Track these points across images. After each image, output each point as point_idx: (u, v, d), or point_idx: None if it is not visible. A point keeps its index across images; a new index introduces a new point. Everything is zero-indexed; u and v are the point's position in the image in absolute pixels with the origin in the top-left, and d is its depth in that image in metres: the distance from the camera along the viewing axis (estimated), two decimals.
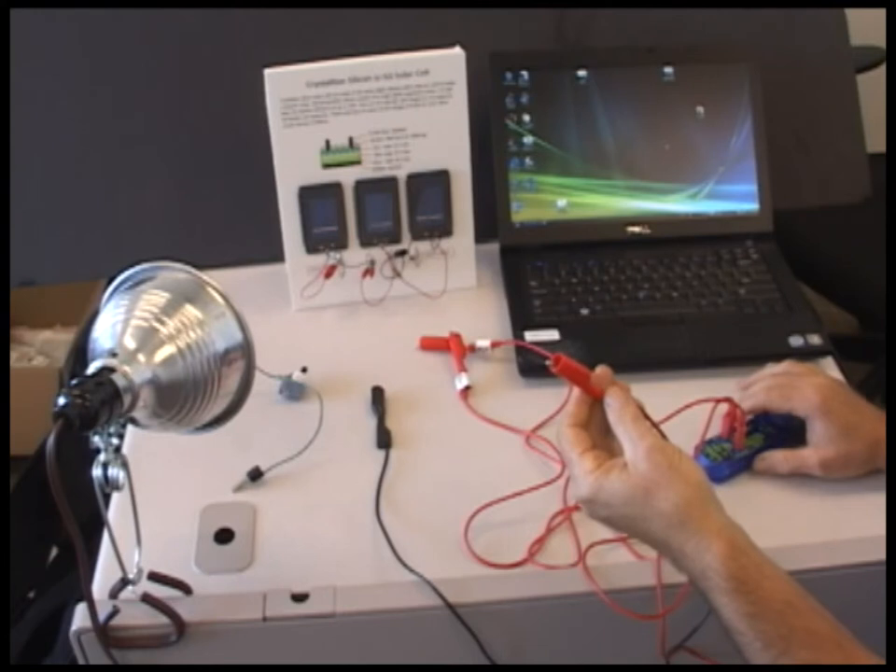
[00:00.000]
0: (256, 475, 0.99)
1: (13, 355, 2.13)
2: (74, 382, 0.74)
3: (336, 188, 1.17)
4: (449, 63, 1.14)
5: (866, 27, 1.47)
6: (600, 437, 0.81)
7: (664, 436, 0.79)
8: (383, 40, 1.15)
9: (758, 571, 0.74)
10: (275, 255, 1.21)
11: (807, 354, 1.13)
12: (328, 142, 1.16)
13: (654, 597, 0.86)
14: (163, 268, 0.85)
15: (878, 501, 0.93)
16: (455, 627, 0.85)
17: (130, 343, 0.78)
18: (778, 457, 0.98)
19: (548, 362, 0.81)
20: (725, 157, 1.27)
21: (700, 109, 1.27)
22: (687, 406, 0.94)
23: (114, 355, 0.77)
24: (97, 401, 0.72)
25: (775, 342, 1.14)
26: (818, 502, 0.97)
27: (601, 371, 0.82)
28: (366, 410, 1.08)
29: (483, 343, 1.14)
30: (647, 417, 0.80)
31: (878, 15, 1.33)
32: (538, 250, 1.26)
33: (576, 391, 0.82)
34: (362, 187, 1.18)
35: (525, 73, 1.25)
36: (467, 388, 1.09)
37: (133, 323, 0.79)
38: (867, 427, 0.96)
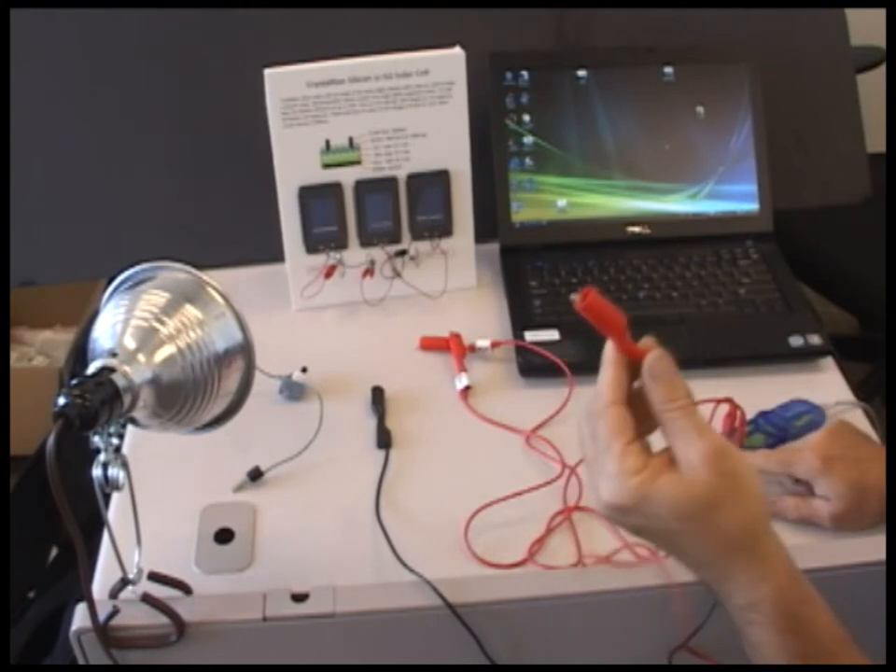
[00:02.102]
0: (256, 475, 0.99)
1: (13, 355, 2.13)
2: (74, 382, 0.74)
3: (336, 188, 1.17)
4: (449, 63, 1.14)
5: (866, 27, 1.47)
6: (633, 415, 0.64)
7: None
8: (383, 40, 1.15)
9: (811, 607, 0.63)
10: (275, 255, 1.21)
11: (807, 354, 1.13)
12: (328, 142, 1.16)
13: (654, 597, 0.86)
14: (163, 268, 0.85)
15: None
16: (455, 627, 0.85)
17: (130, 343, 0.78)
18: (789, 504, 0.92)
19: (573, 296, 0.64)
20: (725, 157, 1.27)
21: (700, 109, 1.27)
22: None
23: (114, 355, 0.77)
24: (97, 401, 0.72)
25: (775, 342, 1.14)
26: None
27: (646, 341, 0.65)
28: (366, 410, 1.08)
29: (483, 343, 1.14)
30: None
31: (878, 15, 1.33)
32: (538, 250, 1.26)
33: (611, 350, 0.65)
34: (362, 187, 1.18)
35: (525, 73, 1.25)
36: (467, 388, 1.09)
37: (133, 323, 0.79)
38: (875, 475, 0.86)
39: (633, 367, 0.64)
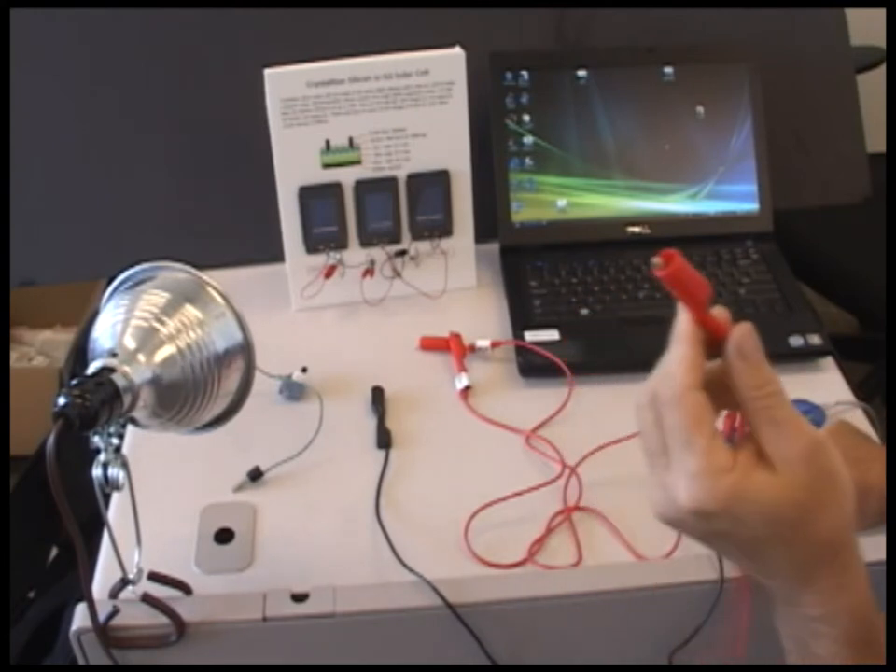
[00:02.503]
0: (256, 475, 0.99)
1: (13, 355, 2.13)
2: (74, 382, 0.74)
3: (336, 188, 1.17)
4: (449, 63, 1.14)
5: (866, 27, 1.47)
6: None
7: None
8: (383, 40, 1.15)
9: (880, 619, 0.57)
10: (275, 255, 1.21)
11: (807, 354, 1.13)
12: (328, 142, 1.15)
13: (655, 597, 0.86)
14: (163, 268, 0.85)
15: None
16: (455, 627, 0.85)
17: (130, 343, 0.78)
18: None
19: (656, 260, 0.54)
20: (725, 157, 1.27)
21: (700, 109, 1.27)
22: None
23: (114, 355, 0.77)
24: (97, 401, 0.72)
25: (775, 342, 1.14)
26: None
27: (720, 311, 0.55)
28: (366, 410, 1.08)
29: (483, 343, 1.14)
30: None
31: (878, 15, 1.33)
32: (538, 250, 1.26)
33: (685, 322, 0.56)
34: (362, 187, 1.18)
35: (524, 73, 1.25)
36: (467, 388, 1.09)
37: (133, 323, 0.79)
38: (875, 475, 0.80)
39: (705, 345, 0.55)
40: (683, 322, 0.56)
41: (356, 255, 1.21)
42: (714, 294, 1.22)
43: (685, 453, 0.52)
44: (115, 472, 0.77)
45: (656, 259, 0.53)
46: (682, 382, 0.53)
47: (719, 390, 0.54)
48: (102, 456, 0.77)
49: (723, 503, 0.52)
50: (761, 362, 0.54)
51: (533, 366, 1.11)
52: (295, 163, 1.15)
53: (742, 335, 0.54)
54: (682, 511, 0.53)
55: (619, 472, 0.98)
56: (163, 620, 0.83)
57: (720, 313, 0.56)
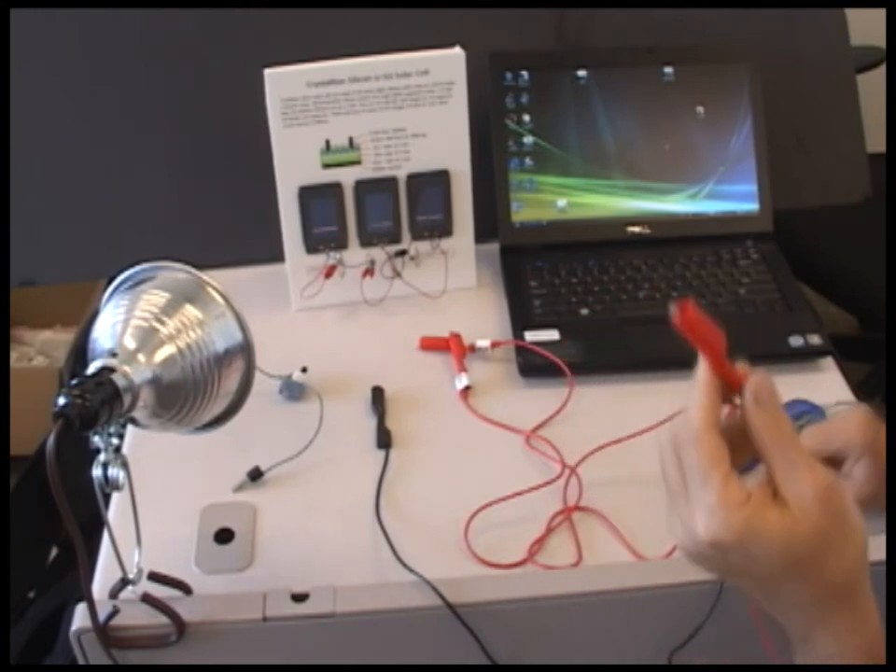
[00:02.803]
0: (256, 475, 0.99)
1: (13, 355, 2.13)
2: (74, 382, 0.74)
3: (336, 188, 1.17)
4: (449, 63, 1.14)
5: (866, 27, 1.47)
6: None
7: None
8: (383, 40, 1.15)
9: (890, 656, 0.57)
10: (275, 255, 1.21)
11: (807, 354, 1.13)
12: (328, 142, 1.15)
13: (655, 597, 0.86)
14: (163, 268, 0.85)
15: None
16: (455, 627, 0.85)
17: (130, 343, 0.78)
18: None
19: (672, 310, 0.56)
20: (725, 157, 1.27)
21: (700, 109, 1.27)
22: None
23: (114, 355, 0.77)
24: (97, 401, 0.72)
25: (775, 342, 1.14)
26: None
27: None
28: (366, 410, 1.08)
29: (483, 343, 1.14)
30: None
31: (878, 15, 1.33)
32: (538, 250, 1.26)
33: (704, 371, 0.58)
34: (362, 187, 1.18)
35: (525, 73, 1.25)
36: (467, 388, 1.09)
37: (133, 323, 0.79)
38: None
39: (724, 391, 0.59)
40: (702, 370, 0.58)
41: (356, 255, 1.21)
42: (714, 295, 1.22)
43: (702, 489, 0.56)
44: (115, 472, 0.77)
45: (673, 309, 0.56)
46: (699, 425, 0.57)
47: (739, 436, 0.57)
48: (102, 456, 0.77)
49: (737, 536, 0.54)
50: (776, 408, 0.57)
51: (533, 366, 1.11)
52: (295, 163, 1.15)
53: (758, 383, 0.57)
54: (701, 543, 0.56)
55: (619, 472, 0.99)
56: (163, 620, 0.83)
57: (741, 365, 0.58)
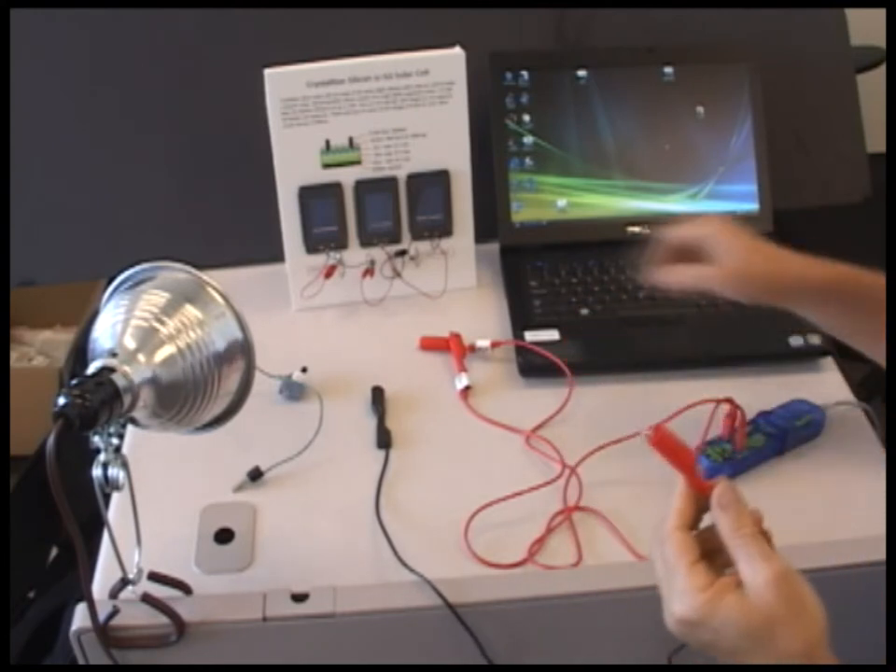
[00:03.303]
0: (256, 475, 0.99)
1: (13, 355, 2.13)
2: (74, 382, 0.74)
3: (336, 188, 1.17)
4: (449, 63, 1.14)
5: (866, 27, 1.47)
6: (702, 538, 0.70)
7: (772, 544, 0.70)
8: (383, 40, 1.15)
9: None
10: (275, 255, 1.21)
11: (807, 354, 1.13)
12: (328, 142, 1.16)
13: (655, 598, 0.86)
14: (163, 268, 0.85)
15: (878, 501, 0.93)
16: (455, 627, 0.85)
17: (130, 343, 0.78)
18: (679, 270, 0.95)
19: (646, 433, 0.70)
20: (725, 157, 1.27)
21: (700, 109, 1.27)
22: (688, 406, 0.94)
23: (114, 355, 0.77)
24: (97, 401, 0.72)
25: (775, 342, 1.14)
26: (818, 502, 0.97)
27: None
28: (366, 410, 1.08)
29: (483, 343, 1.14)
30: (756, 523, 0.69)
31: (878, 15, 1.33)
32: (538, 250, 1.26)
33: (681, 483, 0.71)
34: (362, 187, 1.18)
35: (525, 73, 1.25)
36: (467, 388, 1.09)
37: (133, 323, 0.79)
38: (771, 252, 0.95)
39: (703, 500, 0.70)
40: (680, 482, 0.70)
41: (356, 255, 1.21)
42: (714, 296, 1.22)
43: (674, 577, 0.67)
44: (115, 472, 0.77)
45: (647, 432, 0.69)
46: (671, 525, 0.69)
47: (714, 537, 0.69)
48: (102, 456, 0.77)
49: (701, 614, 0.65)
50: (737, 510, 0.68)
51: (533, 366, 1.11)
52: (295, 163, 1.16)
53: (721, 491, 0.69)
54: (675, 622, 0.67)
55: (619, 472, 0.99)
56: (163, 620, 0.83)
57: (714, 480, 0.70)
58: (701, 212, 1.27)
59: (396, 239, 1.21)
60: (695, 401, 0.97)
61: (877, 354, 0.96)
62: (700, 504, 0.70)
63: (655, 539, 0.70)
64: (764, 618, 0.64)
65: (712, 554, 0.69)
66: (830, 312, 0.95)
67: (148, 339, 0.79)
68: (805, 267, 0.94)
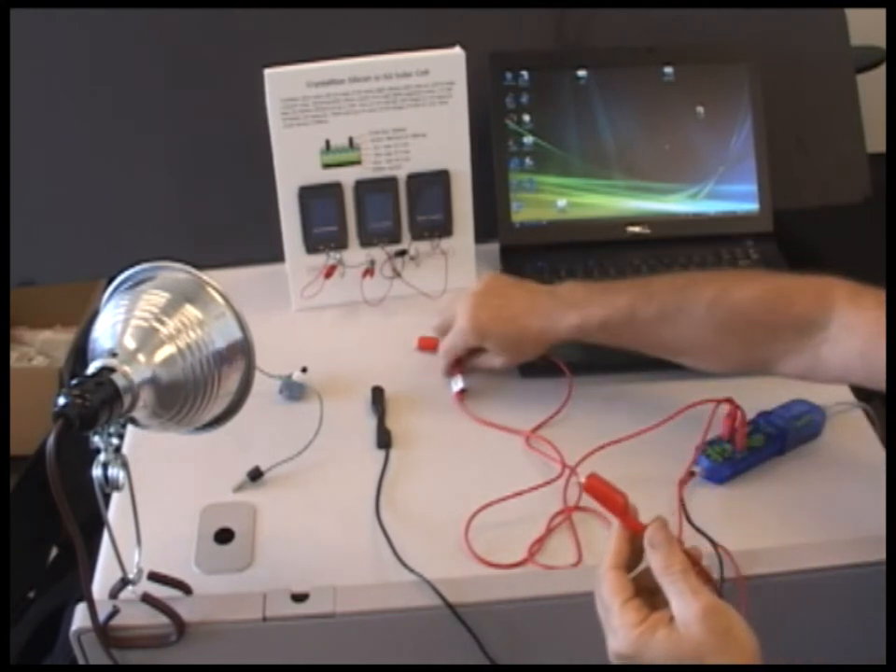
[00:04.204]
0: (256, 475, 0.99)
1: (13, 355, 2.13)
2: (74, 382, 0.74)
3: (336, 188, 1.17)
4: (449, 63, 1.14)
5: (866, 27, 1.47)
6: (640, 573, 0.75)
7: (716, 588, 0.74)
8: (383, 40, 1.15)
9: None
10: (275, 255, 1.21)
11: None
12: (328, 142, 1.16)
13: None
14: (163, 268, 0.85)
15: (878, 501, 0.93)
16: (455, 627, 0.85)
17: (130, 343, 0.78)
18: (478, 360, 1.08)
19: (581, 480, 0.76)
20: (725, 157, 1.27)
21: (700, 109, 1.27)
22: (688, 407, 0.94)
23: (114, 355, 0.77)
24: (97, 401, 0.72)
25: None
26: (818, 502, 0.97)
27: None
28: (366, 410, 1.08)
29: None
30: (692, 559, 0.73)
31: (878, 15, 1.33)
32: (538, 250, 1.26)
33: (616, 525, 0.75)
34: (362, 187, 1.18)
35: (525, 73, 1.25)
36: (462, 391, 1.09)
37: (133, 323, 0.79)
38: (519, 315, 1.02)
39: (640, 540, 0.74)
40: (616, 525, 0.75)
41: (356, 255, 1.21)
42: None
43: (609, 614, 0.72)
44: (115, 472, 0.77)
45: (581, 479, 0.75)
46: (606, 566, 0.73)
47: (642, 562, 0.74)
48: (102, 456, 0.77)
49: (634, 649, 0.69)
50: (668, 549, 0.72)
51: (533, 366, 1.11)
52: (295, 163, 1.16)
53: (652, 531, 0.73)
54: (614, 656, 0.72)
55: (619, 472, 0.98)
56: (163, 620, 0.83)
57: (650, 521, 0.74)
58: (701, 212, 1.27)
59: (396, 239, 1.21)
60: (695, 401, 0.97)
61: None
62: (637, 544, 0.74)
63: (595, 579, 0.74)
64: (693, 650, 0.68)
65: (654, 592, 0.72)
66: (617, 343, 1.01)
67: (148, 339, 0.79)
68: (548, 325, 1.01)
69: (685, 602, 0.69)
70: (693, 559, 0.73)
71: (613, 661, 0.72)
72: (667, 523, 0.74)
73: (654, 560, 0.72)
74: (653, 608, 0.71)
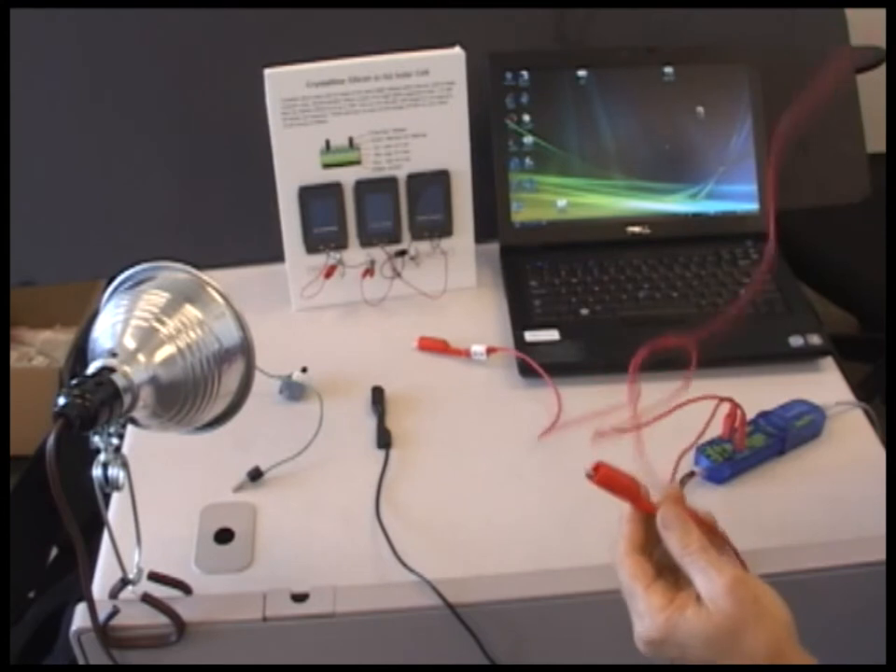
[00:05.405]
0: (256, 475, 0.99)
1: (13, 355, 2.13)
2: (74, 382, 0.74)
3: (336, 188, 1.17)
4: (449, 63, 1.14)
5: (866, 27, 1.47)
6: (660, 552, 0.72)
7: (736, 552, 0.72)
8: (383, 40, 1.15)
9: None
10: (275, 255, 1.21)
11: (807, 354, 1.13)
12: (328, 142, 1.15)
13: None
14: (163, 268, 0.85)
15: (878, 501, 0.93)
16: (455, 627, 0.85)
17: (130, 343, 0.78)
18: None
19: (587, 471, 0.72)
20: (725, 157, 1.27)
21: (700, 109, 1.27)
22: (688, 401, 0.94)
23: (114, 355, 0.77)
24: (97, 401, 0.72)
25: (775, 342, 1.14)
26: (818, 502, 0.97)
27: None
28: (366, 410, 1.08)
29: (479, 348, 1.13)
30: (708, 527, 0.71)
31: (878, 15, 1.33)
32: (538, 250, 1.26)
33: (627, 508, 0.74)
34: (362, 187, 1.18)
35: (525, 73, 1.25)
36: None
37: (133, 323, 0.79)
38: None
39: (649, 519, 0.72)
40: (626, 507, 0.73)
41: (356, 255, 1.21)
42: (714, 295, 1.22)
43: (632, 600, 0.70)
44: (115, 472, 0.77)
45: (589, 470, 0.71)
46: (621, 551, 0.71)
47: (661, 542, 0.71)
48: (102, 456, 0.77)
49: (663, 633, 0.67)
50: (683, 527, 0.70)
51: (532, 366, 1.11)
52: (295, 163, 1.15)
53: (663, 512, 0.71)
54: (642, 643, 0.69)
55: None
56: (163, 620, 0.83)
57: (660, 499, 0.72)
58: (701, 212, 1.27)
59: (396, 239, 1.21)
60: (696, 397, 0.97)
61: None
62: (653, 525, 0.72)
63: (614, 566, 0.72)
64: (725, 625, 0.66)
65: (676, 570, 0.70)
66: None
67: (148, 339, 0.79)
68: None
69: (709, 578, 0.67)
70: (708, 527, 0.71)
71: (641, 648, 0.70)
72: (680, 495, 0.72)
73: (671, 542, 0.70)
74: (678, 587, 0.69)
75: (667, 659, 0.69)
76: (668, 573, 0.70)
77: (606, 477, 0.72)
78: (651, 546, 0.72)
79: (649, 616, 0.68)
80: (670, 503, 0.71)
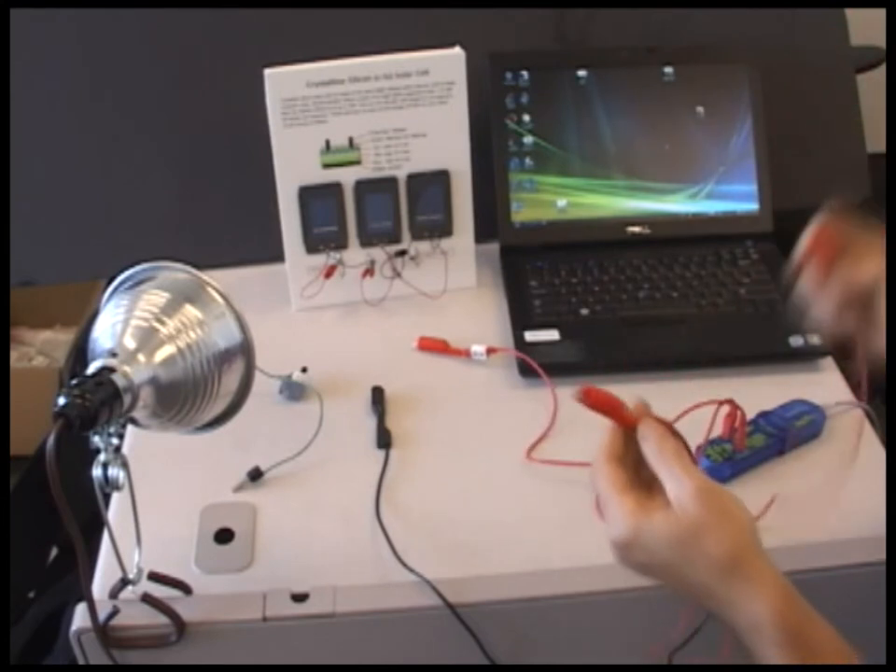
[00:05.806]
0: (256, 475, 0.99)
1: (13, 355, 2.13)
2: (74, 382, 0.74)
3: (336, 188, 1.17)
4: (449, 63, 1.14)
5: (866, 27, 1.47)
6: (637, 470, 0.74)
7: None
8: (383, 40, 1.15)
9: (809, 622, 0.68)
10: (275, 255, 1.21)
11: (807, 354, 1.13)
12: (328, 142, 1.15)
13: (655, 597, 0.86)
14: (163, 268, 0.85)
15: (878, 501, 0.93)
16: (455, 627, 0.85)
17: (130, 343, 0.78)
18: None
19: (578, 397, 0.74)
20: (725, 157, 1.27)
21: (700, 109, 1.27)
22: (693, 407, 0.94)
23: (114, 355, 0.77)
24: (97, 401, 0.72)
25: (775, 342, 1.14)
26: (818, 502, 0.97)
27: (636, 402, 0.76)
28: (366, 410, 1.08)
29: (479, 348, 1.13)
30: (687, 451, 0.73)
31: (878, 15, 1.33)
32: (538, 250, 1.26)
33: (609, 422, 0.76)
34: (362, 187, 1.18)
35: (525, 73, 1.25)
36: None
37: (133, 323, 0.79)
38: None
39: (629, 432, 0.75)
40: (608, 423, 0.75)
41: (356, 255, 1.21)
42: (714, 295, 1.22)
43: (607, 502, 0.72)
44: (115, 472, 0.77)
45: (579, 397, 0.74)
46: (599, 459, 0.74)
47: (640, 457, 0.74)
48: (102, 456, 0.77)
49: (632, 536, 0.69)
50: (658, 437, 0.72)
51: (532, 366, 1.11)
52: (295, 163, 1.15)
53: (643, 424, 0.73)
54: (613, 544, 0.71)
55: None
56: (163, 620, 0.83)
57: (636, 407, 0.75)
58: (701, 212, 1.27)
59: (396, 239, 1.21)
60: (698, 404, 0.97)
61: None
62: (634, 441, 0.74)
63: (590, 472, 0.74)
64: (690, 528, 0.68)
65: (651, 485, 0.72)
66: None
67: (148, 339, 0.79)
68: None
69: (679, 482, 0.69)
70: (685, 444, 0.73)
71: (613, 553, 0.71)
72: (669, 428, 0.74)
73: (647, 448, 0.72)
74: (651, 499, 0.71)
75: (635, 565, 0.71)
76: (645, 488, 0.72)
77: (596, 398, 0.74)
78: (630, 460, 0.74)
79: (620, 519, 0.70)
80: (650, 418, 0.74)
